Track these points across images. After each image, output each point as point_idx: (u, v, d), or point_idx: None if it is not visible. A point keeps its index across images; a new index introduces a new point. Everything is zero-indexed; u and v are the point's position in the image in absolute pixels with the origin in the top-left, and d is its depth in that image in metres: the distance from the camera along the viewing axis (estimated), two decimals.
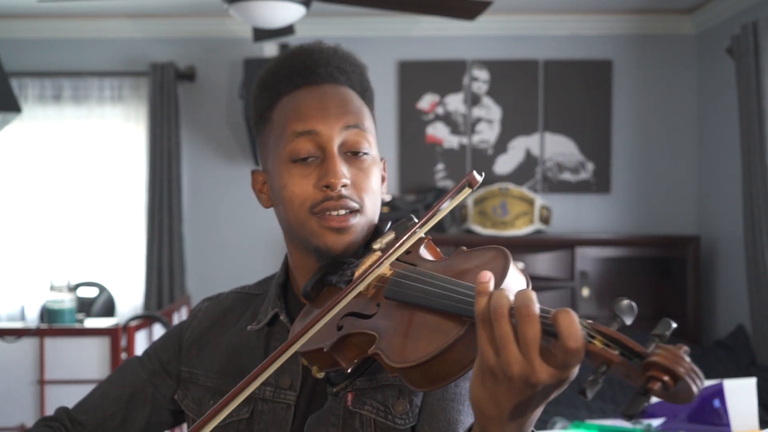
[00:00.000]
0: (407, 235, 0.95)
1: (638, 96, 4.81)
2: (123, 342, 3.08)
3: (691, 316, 4.41)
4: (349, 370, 0.92)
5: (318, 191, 1.04)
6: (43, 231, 4.81)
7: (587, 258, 4.48)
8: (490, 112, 4.83)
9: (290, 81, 1.09)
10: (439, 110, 4.83)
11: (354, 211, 1.05)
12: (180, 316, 4.03)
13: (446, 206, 0.96)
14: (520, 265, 4.39)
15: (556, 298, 4.41)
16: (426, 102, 4.83)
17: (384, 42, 4.79)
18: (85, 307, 4.28)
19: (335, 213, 1.04)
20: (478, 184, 0.97)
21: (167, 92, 4.73)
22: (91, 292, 4.49)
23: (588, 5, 4.64)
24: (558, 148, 4.80)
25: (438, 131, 4.83)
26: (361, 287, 0.92)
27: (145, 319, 3.37)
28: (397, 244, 0.94)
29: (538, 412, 0.78)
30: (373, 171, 1.08)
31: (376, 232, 1.08)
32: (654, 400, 0.86)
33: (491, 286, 0.77)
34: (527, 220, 4.48)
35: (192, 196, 4.90)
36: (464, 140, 4.82)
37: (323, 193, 1.03)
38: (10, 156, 4.83)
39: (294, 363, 1.05)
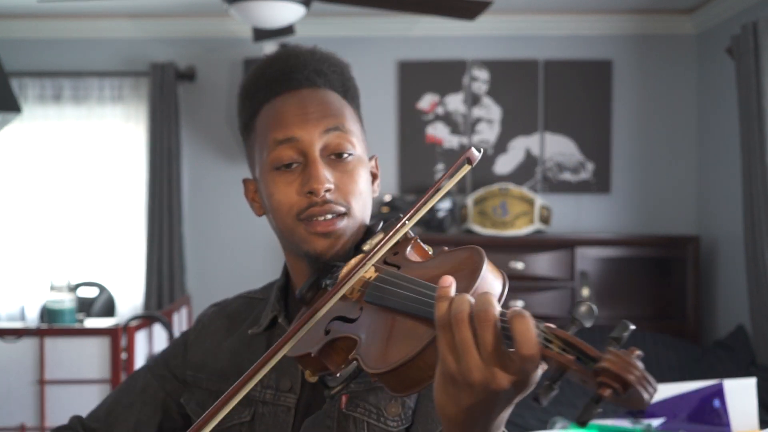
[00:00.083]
0: (389, 236, 0.94)
1: (638, 96, 4.81)
2: (123, 342, 3.09)
3: (691, 316, 4.41)
4: (338, 375, 0.90)
5: (303, 197, 1.03)
6: (43, 231, 4.81)
7: (587, 258, 4.48)
8: (490, 112, 4.83)
9: (269, 89, 1.09)
10: (439, 110, 4.83)
11: (341, 215, 1.04)
12: (180, 316, 4.03)
13: (445, 185, 0.95)
14: (519, 265, 4.39)
15: (556, 298, 4.41)
16: (426, 102, 4.83)
17: (384, 42, 4.79)
18: (85, 307, 4.28)
19: (321, 218, 1.03)
20: (477, 160, 0.96)
21: (167, 92, 4.73)
22: (91, 292, 4.49)
23: (588, 5, 4.64)
24: (558, 148, 4.80)
25: (438, 131, 4.83)
26: (343, 291, 0.91)
27: (145, 319, 3.37)
28: (377, 248, 0.94)
29: (506, 414, 0.77)
30: (359, 172, 1.07)
31: (368, 232, 1.07)
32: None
33: (452, 291, 0.75)
34: (527, 220, 4.48)
35: (192, 196, 4.90)
36: (464, 140, 4.82)
37: (308, 199, 1.03)
38: (10, 156, 4.83)
39: (294, 366, 1.05)
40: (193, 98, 4.89)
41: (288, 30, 3.68)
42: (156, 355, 1.25)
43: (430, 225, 4.54)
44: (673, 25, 4.75)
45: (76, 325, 3.18)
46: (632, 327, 0.68)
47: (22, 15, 4.75)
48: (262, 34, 3.79)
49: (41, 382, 3.06)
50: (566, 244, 4.46)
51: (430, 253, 1.00)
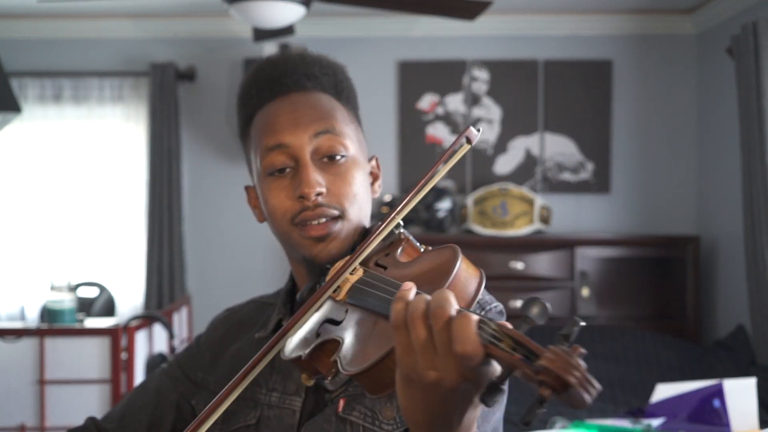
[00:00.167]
0: (375, 233, 0.94)
1: (638, 96, 4.81)
2: (123, 342, 3.09)
3: (691, 316, 4.41)
4: (329, 378, 0.90)
5: (295, 202, 1.03)
6: (43, 231, 4.81)
7: (587, 258, 4.48)
8: (490, 112, 4.83)
9: (260, 96, 1.09)
10: (439, 110, 4.83)
11: (335, 218, 1.04)
12: (180, 316, 4.03)
13: (443, 167, 0.95)
14: (519, 264, 4.39)
15: (556, 299, 4.41)
16: (426, 102, 4.83)
17: (384, 42, 4.79)
18: (86, 307, 4.28)
19: (315, 222, 1.03)
20: (476, 139, 0.96)
21: (167, 92, 4.73)
22: (91, 292, 4.49)
23: (588, 5, 4.64)
24: (558, 148, 4.80)
25: (438, 131, 4.83)
26: (328, 293, 0.91)
27: (145, 319, 3.37)
28: (363, 247, 0.93)
29: (472, 415, 0.76)
30: (353, 174, 1.06)
31: (365, 234, 1.07)
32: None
33: (411, 294, 0.75)
34: (527, 220, 4.48)
35: (192, 196, 4.90)
36: None
37: (300, 203, 1.03)
38: (10, 156, 4.83)
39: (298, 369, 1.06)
40: (193, 98, 4.89)
41: (288, 30, 3.68)
42: (172, 357, 1.26)
43: (430, 225, 4.54)
44: (673, 25, 4.75)
45: (77, 325, 3.18)
46: (582, 324, 0.66)
47: (22, 15, 4.75)
48: (262, 34, 3.79)
49: (41, 382, 3.06)
50: (566, 244, 4.46)
51: (422, 251, 0.99)
